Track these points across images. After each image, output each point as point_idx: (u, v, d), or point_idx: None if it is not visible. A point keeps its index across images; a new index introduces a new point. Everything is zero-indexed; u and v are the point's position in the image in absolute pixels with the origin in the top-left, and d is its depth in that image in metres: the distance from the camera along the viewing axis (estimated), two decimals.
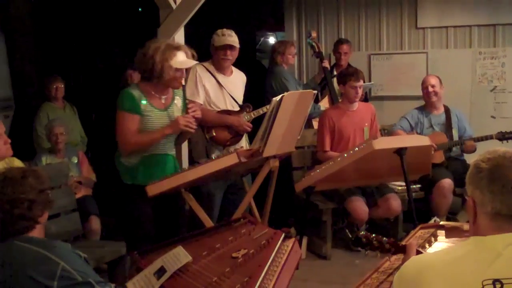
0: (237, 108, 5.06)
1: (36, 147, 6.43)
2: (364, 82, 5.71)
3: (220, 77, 5.00)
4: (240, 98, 5.12)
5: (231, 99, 5.04)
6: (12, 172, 2.71)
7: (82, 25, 9.39)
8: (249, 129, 4.96)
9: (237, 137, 5.03)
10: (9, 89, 8.16)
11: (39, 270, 2.48)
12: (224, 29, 5.02)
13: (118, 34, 9.79)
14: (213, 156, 4.76)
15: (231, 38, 4.97)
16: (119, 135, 4.02)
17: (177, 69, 3.95)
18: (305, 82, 7.31)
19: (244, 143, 5.10)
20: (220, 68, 5.01)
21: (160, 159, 4.11)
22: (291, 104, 4.16)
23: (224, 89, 4.99)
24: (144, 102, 3.98)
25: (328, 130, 5.63)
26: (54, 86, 6.65)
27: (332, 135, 5.64)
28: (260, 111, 5.08)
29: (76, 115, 6.89)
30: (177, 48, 3.99)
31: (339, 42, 6.99)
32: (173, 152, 4.24)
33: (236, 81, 5.12)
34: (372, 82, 7.18)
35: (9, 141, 3.70)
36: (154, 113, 4.01)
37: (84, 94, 8.72)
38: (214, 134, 4.94)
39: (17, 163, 3.88)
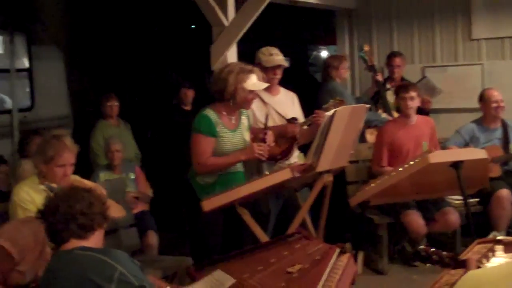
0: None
1: (93, 163, 6.59)
2: (417, 94, 5.62)
3: (265, 96, 4.96)
4: (290, 116, 5.10)
5: (279, 116, 5.03)
6: (77, 186, 2.89)
7: (137, 43, 9.60)
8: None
9: (287, 152, 5.03)
10: (68, 107, 8.40)
11: (98, 273, 2.61)
12: (269, 48, 5.03)
13: (172, 51, 9.98)
14: (266, 172, 4.77)
15: (279, 57, 4.99)
16: (196, 157, 4.18)
17: (250, 91, 4.15)
18: (358, 96, 7.27)
19: (296, 158, 5.08)
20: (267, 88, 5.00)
21: (234, 177, 4.28)
22: (344, 119, 4.17)
23: (270, 107, 4.97)
24: (218, 124, 4.17)
25: (386, 144, 5.57)
26: (109, 104, 6.81)
27: (389, 149, 5.58)
28: (308, 121, 5.04)
29: (130, 132, 7.03)
30: (250, 71, 4.19)
31: (392, 55, 6.93)
32: (242, 169, 4.42)
33: (283, 100, 5.08)
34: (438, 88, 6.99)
35: (69, 175, 3.82)
36: (227, 134, 4.21)
37: (139, 111, 8.90)
38: None
39: (78, 180, 3.99)
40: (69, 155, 3.79)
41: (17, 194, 3.73)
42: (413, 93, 5.53)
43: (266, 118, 4.35)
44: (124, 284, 2.60)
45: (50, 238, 2.80)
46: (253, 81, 4.16)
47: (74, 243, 2.74)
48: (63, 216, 2.72)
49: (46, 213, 2.75)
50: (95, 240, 2.80)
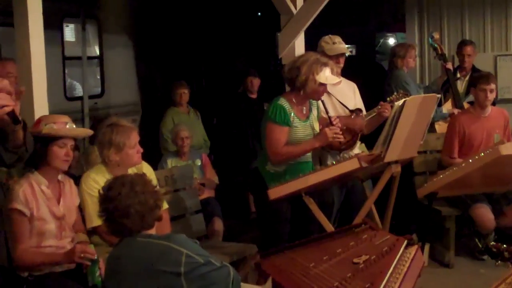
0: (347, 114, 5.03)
1: (162, 150, 6.71)
2: (496, 86, 5.47)
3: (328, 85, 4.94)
4: (351, 106, 5.07)
5: (341, 105, 5.00)
6: (142, 176, 2.96)
7: (204, 30, 9.69)
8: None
9: (352, 143, 4.99)
10: (137, 94, 8.58)
11: (166, 261, 2.68)
12: (332, 36, 4.99)
13: (239, 39, 10.02)
14: (328, 162, 4.76)
15: (342, 45, 4.95)
16: (270, 146, 4.21)
17: (321, 84, 4.13)
18: (427, 84, 7.14)
19: (357, 149, 5.03)
20: None
21: (303, 167, 4.28)
22: (414, 109, 4.11)
23: (332, 96, 4.94)
24: (292, 114, 4.18)
25: (457, 135, 5.45)
26: (180, 92, 6.92)
27: (460, 141, 5.45)
28: (372, 113, 4.99)
29: (199, 119, 7.12)
30: (325, 64, 4.16)
31: (463, 44, 6.76)
32: (311, 159, 4.42)
33: (345, 90, 5.04)
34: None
35: (142, 150, 3.91)
36: (299, 124, 4.22)
37: (206, 98, 9.00)
38: None
39: (146, 167, 4.08)
40: (135, 134, 3.87)
41: (85, 181, 3.84)
42: (493, 85, 5.39)
43: (324, 105, 4.29)
44: (192, 264, 2.68)
45: (114, 232, 2.88)
46: (326, 74, 4.13)
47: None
48: (135, 213, 2.78)
49: (111, 210, 2.81)
50: (156, 227, 2.88)
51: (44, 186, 3.51)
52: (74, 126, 3.62)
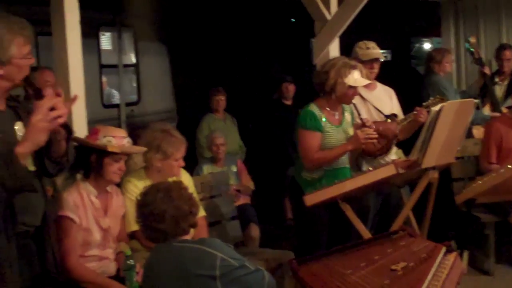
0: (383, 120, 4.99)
1: (198, 156, 6.75)
2: None
3: (362, 91, 4.88)
4: (387, 112, 5.02)
5: (377, 111, 4.96)
6: (178, 183, 3.03)
7: (238, 37, 9.73)
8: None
9: (387, 148, 4.95)
10: (173, 101, 8.65)
11: (201, 265, 2.72)
12: (366, 41, 4.96)
13: (273, 45, 10.04)
14: (363, 168, 4.72)
15: (376, 50, 4.92)
16: (303, 152, 4.20)
17: (350, 87, 4.11)
18: (463, 89, 7.06)
19: (394, 155, 4.98)
20: None
21: (340, 172, 4.26)
22: (451, 114, 4.06)
23: (368, 102, 4.91)
24: (323, 119, 4.17)
25: (494, 141, 5.37)
26: (217, 99, 6.97)
27: (498, 146, 5.37)
28: (408, 118, 4.94)
29: (236, 126, 7.14)
30: (353, 67, 4.14)
31: (502, 48, 6.66)
32: (348, 165, 4.39)
33: (381, 95, 5.00)
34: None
35: (183, 165, 3.96)
36: (331, 130, 4.20)
37: (241, 104, 9.02)
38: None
39: (184, 175, 4.12)
40: (183, 148, 3.93)
41: (125, 186, 3.87)
42: None
43: (356, 108, 4.28)
44: (227, 268, 2.72)
45: (150, 238, 2.91)
46: (355, 77, 4.11)
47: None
48: (170, 219, 2.82)
49: (147, 215, 2.85)
50: (194, 234, 2.92)
51: (93, 196, 3.51)
52: (129, 140, 3.62)
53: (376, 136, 4.19)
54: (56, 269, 2.90)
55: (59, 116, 2.51)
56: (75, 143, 3.44)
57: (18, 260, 2.66)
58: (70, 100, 2.78)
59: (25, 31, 2.64)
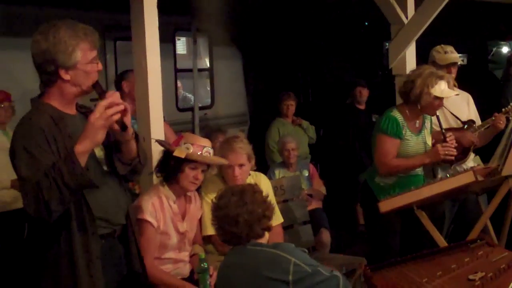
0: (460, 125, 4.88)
1: (268, 160, 6.79)
2: None
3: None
4: (464, 118, 4.91)
5: (453, 117, 4.86)
6: (252, 186, 3.05)
7: (310, 41, 9.71)
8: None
9: (464, 155, 4.84)
10: (245, 105, 8.72)
11: (274, 269, 2.73)
12: (443, 45, 4.92)
13: (345, 49, 9.97)
14: (438, 175, 4.63)
15: (454, 54, 4.86)
16: (380, 157, 4.19)
17: (436, 97, 4.07)
18: None
19: (471, 162, 4.86)
20: None
21: (414, 179, 4.23)
22: None
23: (444, 108, 4.80)
24: (405, 126, 4.15)
25: None
26: (287, 104, 6.98)
27: None
28: (486, 124, 4.81)
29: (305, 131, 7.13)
30: (441, 77, 4.10)
31: None
32: (422, 172, 4.35)
33: (458, 101, 4.88)
34: None
35: (242, 172, 3.92)
36: (411, 138, 4.18)
37: (312, 109, 9.01)
38: None
39: (263, 179, 4.17)
40: (233, 156, 3.88)
41: (204, 190, 3.89)
42: None
43: (438, 120, 4.21)
44: (300, 273, 2.71)
45: (224, 240, 2.94)
46: (442, 88, 4.06)
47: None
48: (244, 222, 2.84)
49: (221, 218, 2.88)
50: (269, 240, 2.93)
51: (172, 201, 3.58)
52: (212, 150, 3.65)
53: (455, 152, 4.14)
54: (142, 270, 2.96)
55: (116, 113, 2.56)
56: (161, 147, 3.53)
57: (105, 261, 2.71)
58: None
59: (90, 37, 2.66)
